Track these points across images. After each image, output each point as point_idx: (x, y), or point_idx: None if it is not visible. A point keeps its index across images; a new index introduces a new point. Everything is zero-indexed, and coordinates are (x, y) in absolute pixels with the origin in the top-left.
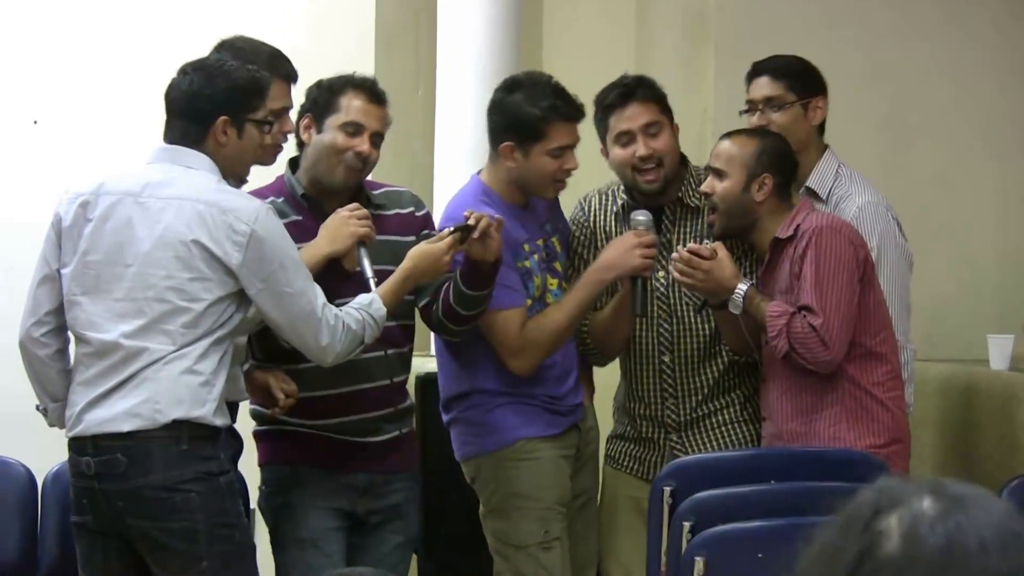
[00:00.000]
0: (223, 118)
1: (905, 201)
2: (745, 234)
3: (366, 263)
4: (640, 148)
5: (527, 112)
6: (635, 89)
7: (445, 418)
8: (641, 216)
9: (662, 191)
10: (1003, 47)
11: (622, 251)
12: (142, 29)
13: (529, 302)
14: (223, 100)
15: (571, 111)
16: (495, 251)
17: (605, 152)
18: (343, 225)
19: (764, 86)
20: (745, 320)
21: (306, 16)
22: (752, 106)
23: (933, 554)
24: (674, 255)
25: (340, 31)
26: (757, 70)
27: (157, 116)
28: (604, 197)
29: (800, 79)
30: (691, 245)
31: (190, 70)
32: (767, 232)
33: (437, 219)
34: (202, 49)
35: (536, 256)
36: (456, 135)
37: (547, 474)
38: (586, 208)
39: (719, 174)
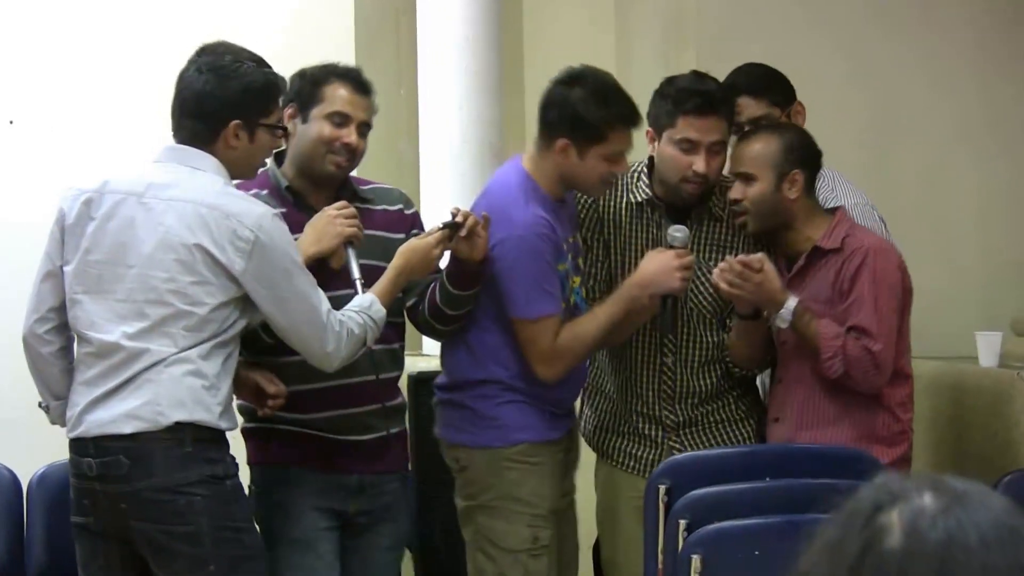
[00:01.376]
0: (235, 122)
1: (889, 201)
2: (776, 233)
3: (353, 263)
4: (700, 163)
5: (592, 113)
6: (719, 104)
7: (442, 396)
8: (679, 234)
9: (696, 203)
10: (982, 49)
11: (662, 271)
12: (120, 29)
13: (564, 304)
14: (236, 103)
15: (635, 119)
16: (481, 250)
17: (654, 138)
18: (330, 225)
19: (748, 106)
20: (782, 333)
21: (286, 17)
22: (739, 127)
23: (934, 548)
24: (723, 265)
25: (320, 31)
26: (734, 90)
27: (135, 116)
28: (618, 181)
29: (778, 90)
30: (741, 256)
31: (205, 69)
32: (800, 233)
33: (429, 216)
34: (181, 50)
35: (571, 255)
36: (440, 133)
37: (546, 481)
38: None
39: (747, 178)
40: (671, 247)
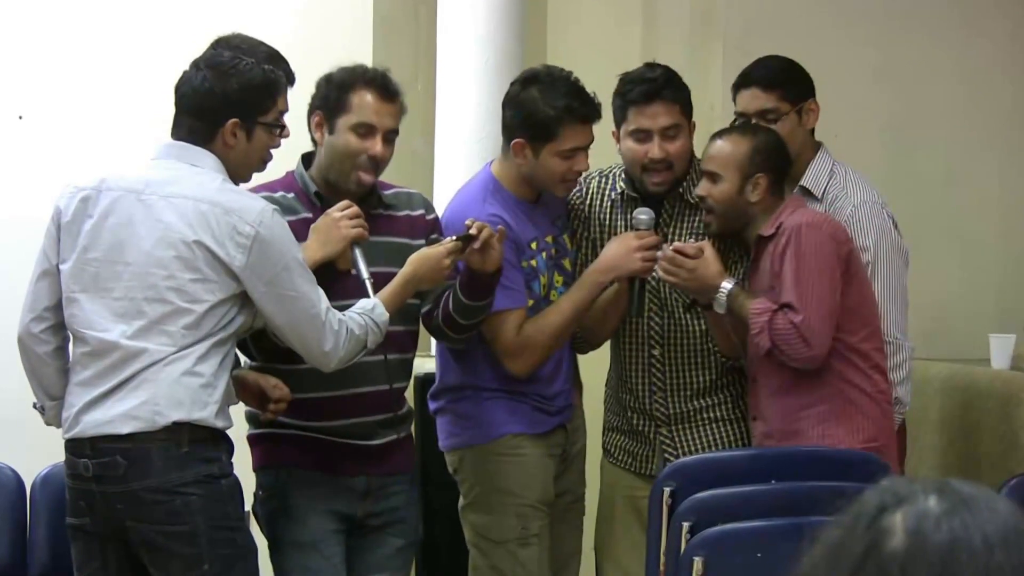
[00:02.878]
0: (233, 120)
1: (910, 200)
2: (740, 232)
3: (361, 264)
4: (655, 150)
5: (542, 111)
6: (661, 89)
7: (432, 406)
8: (643, 216)
9: (668, 192)
10: (1014, 45)
11: (622, 253)
12: (129, 23)
13: (531, 302)
14: (235, 101)
15: (587, 113)
16: (495, 262)
17: (617, 136)
18: (333, 228)
19: (757, 98)
20: (731, 319)
21: (303, 8)
22: (745, 119)
23: (938, 550)
24: (659, 253)
25: (338, 24)
26: (746, 80)
27: (144, 112)
28: (604, 180)
29: (791, 85)
30: (677, 244)
31: (203, 66)
32: (754, 230)
33: (440, 212)
34: (193, 44)
35: (544, 254)
36: (456, 129)
37: (530, 472)
38: (583, 191)
39: (713, 177)
40: (636, 230)
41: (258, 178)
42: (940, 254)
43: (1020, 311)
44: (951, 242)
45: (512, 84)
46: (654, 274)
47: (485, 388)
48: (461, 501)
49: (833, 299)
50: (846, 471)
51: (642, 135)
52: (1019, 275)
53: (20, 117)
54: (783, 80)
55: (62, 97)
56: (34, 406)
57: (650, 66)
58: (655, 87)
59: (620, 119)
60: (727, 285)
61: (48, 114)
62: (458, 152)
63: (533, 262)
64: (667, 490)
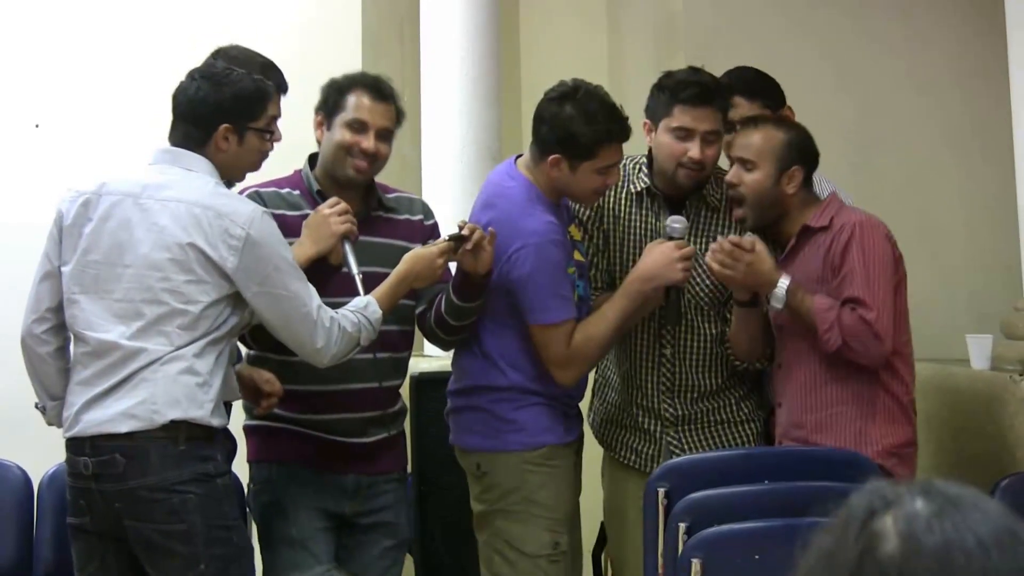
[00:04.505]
0: (225, 125)
1: (875, 206)
2: (773, 225)
3: (351, 260)
4: (695, 150)
5: (581, 132)
6: (715, 96)
7: (457, 403)
8: (678, 224)
9: (690, 192)
10: (962, 58)
11: (663, 263)
12: (140, 35)
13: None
14: (227, 108)
15: (624, 134)
16: (486, 264)
17: (651, 129)
18: (323, 224)
19: (740, 106)
20: (779, 316)
21: (295, 24)
22: (730, 124)
23: (933, 553)
24: (714, 246)
25: (328, 39)
26: (729, 90)
27: (157, 119)
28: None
29: (770, 93)
30: (732, 237)
31: (197, 76)
32: (795, 221)
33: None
34: (197, 55)
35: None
36: (441, 136)
37: (566, 484)
38: None
39: (747, 164)
40: (670, 238)
41: (262, 176)
42: (908, 257)
43: (989, 312)
44: (918, 245)
45: (546, 101)
46: (711, 268)
47: (527, 390)
48: (484, 505)
49: (894, 299)
50: (839, 471)
51: (684, 134)
52: (986, 277)
53: (37, 125)
54: (762, 88)
55: (78, 106)
56: (36, 406)
57: (696, 70)
58: (709, 92)
59: (663, 114)
60: (784, 281)
61: (64, 122)
62: (444, 156)
63: (571, 269)
64: (661, 490)
